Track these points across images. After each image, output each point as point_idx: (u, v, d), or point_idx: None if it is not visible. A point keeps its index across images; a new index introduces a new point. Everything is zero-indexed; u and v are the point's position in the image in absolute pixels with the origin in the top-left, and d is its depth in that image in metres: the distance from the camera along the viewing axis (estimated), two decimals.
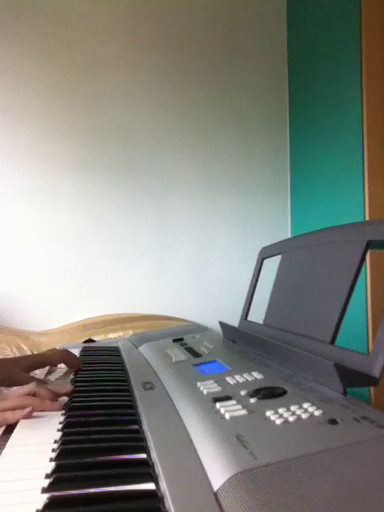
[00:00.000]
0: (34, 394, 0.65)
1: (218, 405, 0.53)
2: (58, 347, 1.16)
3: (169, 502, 0.36)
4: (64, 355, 0.93)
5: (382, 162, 1.32)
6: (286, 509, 0.32)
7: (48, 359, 0.92)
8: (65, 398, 0.68)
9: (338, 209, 1.47)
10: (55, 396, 0.67)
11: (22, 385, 0.72)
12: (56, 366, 0.96)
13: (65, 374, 0.91)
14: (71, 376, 0.86)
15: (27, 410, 0.60)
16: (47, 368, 0.94)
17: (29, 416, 0.60)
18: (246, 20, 1.81)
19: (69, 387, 0.73)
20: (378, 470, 0.36)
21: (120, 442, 0.51)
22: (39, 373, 0.92)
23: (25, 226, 1.63)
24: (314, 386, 0.56)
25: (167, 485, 0.39)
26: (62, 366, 0.94)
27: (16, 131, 1.63)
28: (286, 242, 0.93)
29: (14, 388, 0.72)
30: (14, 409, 0.61)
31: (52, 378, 0.89)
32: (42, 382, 0.78)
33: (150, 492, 0.39)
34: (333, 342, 0.63)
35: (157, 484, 0.40)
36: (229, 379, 0.63)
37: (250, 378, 0.62)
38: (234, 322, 1.01)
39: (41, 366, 0.92)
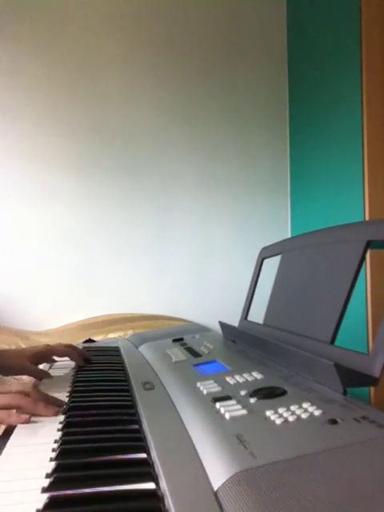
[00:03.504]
0: (27, 395, 0.61)
1: (217, 405, 0.53)
2: None
3: (169, 502, 0.36)
4: (69, 351, 0.91)
5: (382, 162, 1.32)
6: (286, 508, 0.32)
7: (52, 351, 0.91)
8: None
9: (338, 209, 1.47)
10: (49, 401, 0.63)
11: (29, 374, 0.68)
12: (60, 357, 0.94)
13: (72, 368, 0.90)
14: (72, 374, 0.86)
15: (25, 417, 0.58)
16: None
17: (26, 422, 0.57)
18: (246, 20, 1.81)
19: (61, 402, 0.65)
20: (378, 469, 0.36)
21: (120, 441, 0.51)
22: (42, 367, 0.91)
23: (25, 226, 1.63)
24: (314, 386, 0.56)
25: (167, 484, 0.39)
26: (65, 362, 0.93)
27: (16, 131, 1.63)
28: (286, 242, 0.93)
29: (8, 380, 0.70)
30: (3, 407, 0.58)
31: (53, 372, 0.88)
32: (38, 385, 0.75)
33: (150, 491, 0.39)
34: (333, 342, 0.63)
35: (157, 484, 0.40)
36: (229, 379, 0.63)
37: (249, 378, 0.62)
38: (234, 321, 1.01)
39: (45, 357, 0.90)
